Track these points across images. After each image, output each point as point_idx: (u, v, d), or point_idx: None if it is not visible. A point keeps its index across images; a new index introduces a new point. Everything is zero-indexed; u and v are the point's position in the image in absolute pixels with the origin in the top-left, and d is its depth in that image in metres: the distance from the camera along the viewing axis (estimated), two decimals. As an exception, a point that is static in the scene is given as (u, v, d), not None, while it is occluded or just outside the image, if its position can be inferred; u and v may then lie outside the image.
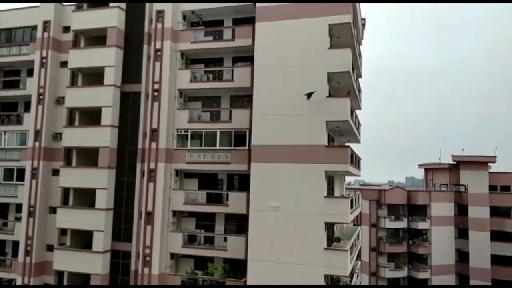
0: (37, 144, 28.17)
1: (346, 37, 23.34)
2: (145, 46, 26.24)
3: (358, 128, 28.07)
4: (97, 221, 25.45)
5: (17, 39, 30.97)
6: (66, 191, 27.25)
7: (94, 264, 25.19)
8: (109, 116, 25.95)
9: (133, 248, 25.21)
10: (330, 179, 24.48)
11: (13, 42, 30.93)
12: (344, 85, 24.24)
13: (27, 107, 30.10)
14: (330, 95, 22.03)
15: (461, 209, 50.34)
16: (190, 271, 25.08)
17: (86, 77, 27.66)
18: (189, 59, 27.17)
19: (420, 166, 62.13)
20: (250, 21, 24.53)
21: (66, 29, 28.91)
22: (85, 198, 26.78)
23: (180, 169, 25.69)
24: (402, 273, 49.89)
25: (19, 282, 27.37)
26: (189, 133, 25.49)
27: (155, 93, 25.55)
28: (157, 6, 26.13)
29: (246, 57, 25.26)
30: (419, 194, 51.51)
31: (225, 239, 24.12)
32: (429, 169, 60.12)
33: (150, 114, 25.51)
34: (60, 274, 26.73)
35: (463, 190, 50.77)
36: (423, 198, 50.35)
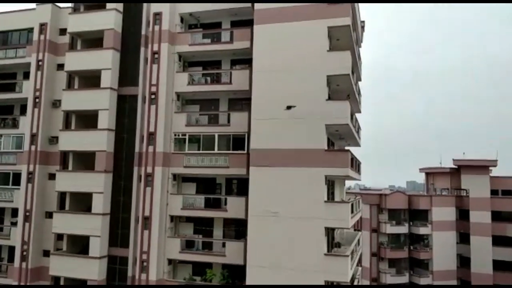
0: (33, 147, 27.87)
1: (346, 39, 23.10)
2: (142, 49, 25.97)
3: (358, 132, 27.76)
4: (93, 226, 25.09)
5: (13, 41, 30.75)
6: (62, 195, 26.95)
7: (91, 269, 24.81)
8: (106, 119, 25.64)
9: (130, 253, 24.82)
10: (330, 183, 24.15)
11: (9, 44, 30.70)
12: (344, 88, 23.95)
13: (23, 110, 29.78)
14: (329, 98, 21.75)
15: (463, 214, 49.96)
16: (188, 277, 24.70)
17: (82, 80, 27.40)
18: (187, 62, 26.89)
19: (421, 170, 61.82)
20: (248, 23, 24.25)
21: (63, 31, 28.66)
22: (81, 202, 26.46)
23: (177, 173, 25.35)
24: (403, 279, 49.41)
25: None
26: (186, 137, 25.18)
27: (153, 96, 25.26)
28: (155, 8, 25.89)
29: (244, 60, 25.01)
30: (420, 198, 51.16)
31: (224, 245, 23.77)
32: (430, 174, 59.76)
33: (147, 117, 25.21)
34: (56, 279, 26.42)
35: (464, 194, 50.44)
36: (424, 202, 49.99)
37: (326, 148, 21.41)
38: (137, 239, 24.56)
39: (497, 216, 48.00)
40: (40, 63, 28.37)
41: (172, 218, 25.15)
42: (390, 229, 49.91)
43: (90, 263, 24.91)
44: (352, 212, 21.80)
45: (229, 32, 25.10)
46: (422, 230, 49.31)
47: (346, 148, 28.44)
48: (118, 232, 25.66)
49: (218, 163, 24.19)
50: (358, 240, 28.70)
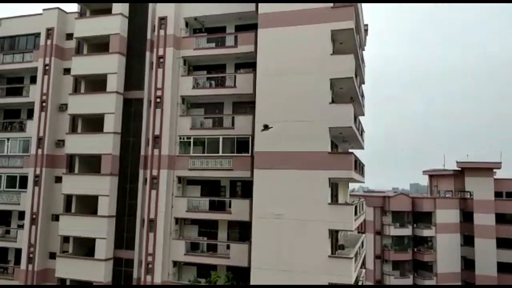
0: (39, 151, 28.15)
1: (349, 43, 23.28)
2: (147, 53, 26.27)
3: (361, 134, 27.91)
4: (99, 228, 25.34)
5: (20, 46, 31.12)
6: (68, 198, 27.17)
7: (97, 272, 25.03)
8: (112, 123, 25.93)
9: (135, 255, 25.04)
10: (334, 186, 24.28)
11: (16, 49, 31.07)
12: (347, 91, 24.11)
13: (30, 114, 30.09)
14: (333, 101, 21.91)
15: (467, 216, 49.85)
16: (193, 279, 24.85)
17: (88, 84, 27.70)
18: (192, 66, 27.15)
19: (424, 172, 61.74)
20: (252, 27, 24.50)
21: (69, 36, 29.00)
22: (87, 205, 26.69)
23: (182, 176, 25.56)
24: (407, 281, 49.33)
25: (21, 290, 27.23)
26: (191, 140, 25.40)
27: (158, 100, 25.52)
28: (160, 13, 26.17)
29: (248, 64, 25.23)
30: (424, 200, 51.12)
31: (228, 247, 23.91)
32: (434, 176, 59.68)
33: (153, 121, 25.46)
34: (62, 281, 26.59)
35: (468, 196, 50.33)
36: (428, 204, 49.95)
37: (329, 150, 21.56)
38: (143, 241, 24.78)
39: (501, 218, 47.84)
40: (47, 67, 28.70)
41: (177, 220, 25.35)
42: (394, 231, 49.90)
43: (96, 265, 25.13)
44: (355, 214, 21.92)
45: (233, 36, 25.32)
46: (426, 232, 49.26)
47: (350, 150, 28.57)
48: (124, 235, 25.90)
49: (222, 166, 24.38)
50: (362, 242, 28.77)
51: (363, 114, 31.22)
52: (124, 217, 26.02)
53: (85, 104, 27.04)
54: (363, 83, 31.53)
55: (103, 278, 24.88)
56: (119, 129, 26.37)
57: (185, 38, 26.31)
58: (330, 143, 22.04)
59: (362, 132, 28.43)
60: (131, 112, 26.61)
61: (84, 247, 26.55)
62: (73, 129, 27.64)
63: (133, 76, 26.72)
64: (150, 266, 24.32)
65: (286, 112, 21.81)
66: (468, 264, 48.80)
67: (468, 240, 49.20)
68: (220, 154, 24.58)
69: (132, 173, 26.09)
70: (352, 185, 45.77)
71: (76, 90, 27.93)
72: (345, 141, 26.77)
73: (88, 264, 25.42)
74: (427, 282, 48.11)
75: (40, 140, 28.22)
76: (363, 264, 31.21)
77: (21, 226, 28.90)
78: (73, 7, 29.44)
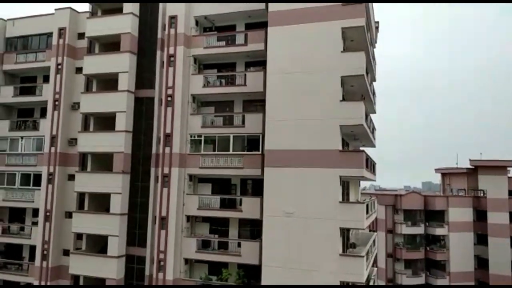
0: (53, 149, 28.51)
1: (360, 40, 23.10)
2: (158, 52, 26.40)
3: (373, 132, 27.72)
4: (112, 225, 25.58)
5: (33, 46, 31.53)
6: (81, 196, 27.47)
7: (109, 268, 25.30)
8: (123, 121, 26.14)
9: (147, 253, 25.26)
10: (345, 184, 24.18)
11: (29, 49, 31.49)
12: (358, 89, 23.97)
13: (43, 113, 30.53)
14: (344, 99, 21.79)
15: (480, 215, 49.29)
16: (204, 277, 24.97)
17: (100, 83, 27.96)
18: (202, 64, 27.23)
19: (437, 170, 61.15)
20: (262, 25, 24.47)
21: (81, 35, 29.29)
22: (100, 203, 26.98)
23: (193, 174, 25.68)
24: (419, 280, 48.98)
25: (35, 286, 27.65)
26: (202, 138, 25.50)
27: (169, 98, 25.65)
28: (170, 11, 26.27)
29: (258, 62, 25.22)
30: (436, 199, 50.65)
31: (239, 245, 23.99)
32: (446, 174, 59.07)
33: (164, 119, 25.60)
34: (76, 278, 26.95)
35: (482, 195, 49.71)
36: (440, 203, 49.47)
37: (340, 148, 21.45)
38: (154, 239, 24.96)
39: (515, 217, 47.22)
40: (59, 66, 29.03)
41: (188, 218, 25.48)
42: (406, 229, 49.56)
43: (108, 262, 25.40)
44: (367, 212, 21.80)
45: (243, 35, 25.31)
46: (439, 231, 48.82)
47: (361, 148, 28.41)
48: (136, 232, 26.12)
49: (233, 164, 24.42)
50: (374, 241, 28.62)
51: (374, 112, 31.01)
52: (136, 215, 26.24)
53: (97, 103, 27.30)
54: (374, 80, 31.31)
55: (115, 275, 25.14)
56: (131, 127, 26.57)
57: (195, 36, 26.38)
58: (341, 141, 21.93)
59: (373, 130, 28.24)
60: (143, 111, 26.79)
61: (97, 244, 26.84)
62: (85, 128, 27.94)
63: (144, 75, 26.88)
64: (162, 263, 24.50)
65: (297, 110, 21.74)
66: (481, 263, 48.28)
67: (481, 239, 48.64)
68: (231, 152, 24.63)
69: (144, 171, 26.28)
70: (363, 184, 45.56)
71: (88, 89, 28.21)
72: (356, 139, 26.63)
73: (101, 261, 25.71)
74: (440, 281, 47.68)
75: (53, 139, 28.58)
76: (375, 263, 31.05)
77: (35, 223, 29.32)
78: (85, 7, 29.72)
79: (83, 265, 26.11)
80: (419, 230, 50.00)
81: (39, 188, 28.90)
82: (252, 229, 24.84)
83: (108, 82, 27.38)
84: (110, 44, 27.65)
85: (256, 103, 25.44)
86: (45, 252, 27.77)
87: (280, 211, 21.28)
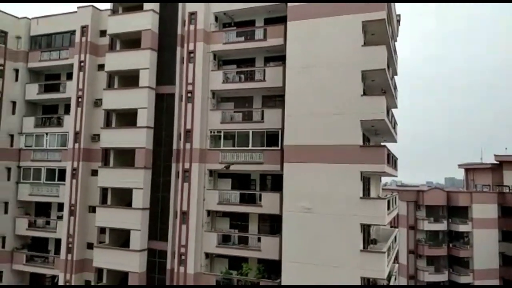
0: (76, 145, 29.11)
1: (381, 34, 22.74)
2: (178, 48, 26.56)
3: (394, 127, 27.32)
4: (134, 220, 26.03)
5: (57, 44, 32.09)
6: (104, 190, 28.01)
7: (132, 262, 25.75)
8: (145, 117, 26.47)
9: (168, 247, 25.57)
10: (366, 179, 23.95)
11: (53, 47, 32.12)
12: (379, 83, 23.64)
13: (67, 110, 31.16)
14: (364, 94, 21.53)
15: (505, 211, 48.11)
16: (224, 271, 25.17)
17: (122, 79, 28.36)
18: (221, 60, 27.28)
19: (460, 166, 59.99)
20: (281, 20, 24.34)
21: (103, 33, 29.69)
22: (122, 197, 27.45)
23: (213, 169, 25.83)
24: (442, 277, 48.22)
25: (61, 278, 28.38)
26: (222, 134, 25.60)
27: (189, 95, 25.83)
28: (190, 8, 26.39)
29: (278, 57, 25.07)
30: (460, 195, 49.66)
31: (259, 239, 24.06)
32: (470, 169, 57.88)
33: (184, 115, 25.81)
34: (99, 271, 27.55)
35: (507, 191, 48.49)
36: (464, 199, 48.48)
37: (361, 144, 21.24)
38: (176, 233, 25.25)
39: (542, 214, 45.98)
40: (82, 64, 29.54)
41: (209, 213, 25.67)
42: (428, 226, 48.82)
43: (131, 256, 25.87)
44: (388, 208, 21.55)
45: (262, 30, 25.22)
46: (462, 228, 47.91)
47: (382, 143, 28.05)
48: (157, 226, 26.46)
49: (252, 159, 24.46)
50: (395, 237, 28.29)
51: (396, 107, 30.53)
52: (158, 209, 26.59)
53: (118, 99, 27.71)
54: (396, 74, 30.79)
55: (138, 268, 25.58)
56: (152, 123, 26.88)
57: (214, 32, 26.43)
58: (362, 136, 21.70)
59: (395, 125, 27.83)
60: (163, 107, 27.05)
61: (120, 238, 27.36)
62: (107, 124, 28.42)
63: (165, 71, 27.11)
64: (183, 257, 24.79)
65: (317, 105, 21.59)
66: (506, 260, 47.24)
67: (506, 236, 47.56)
68: (250, 147, 24.66)
69: (165, 167, 26.57)
70: (384, 179, 45.00)
71: (110, 85, 28.66)
72: (377, 134, 26.30)
73: (123, 255, 26.19)
74: (463, 279, 46.89)
75: (76, 135, 29.16)
76: (396, 259, 30.70)
77: (60, 217, 30.05)
78: (106, 5, 30.09)
79: (107, 259, 26.66)
80: (441, 226, 49.17)
81: (63, 183, 29.58)
82: (272, 224, 24.86)
83: (129, 79, 27.74)
84: (131, 41, 27.98)
85: (275, 98, 25.38)
86: (70, 245, 28.44)
87: (300, 207, 21.22)
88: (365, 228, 22.22)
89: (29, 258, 31.03)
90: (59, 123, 31.14)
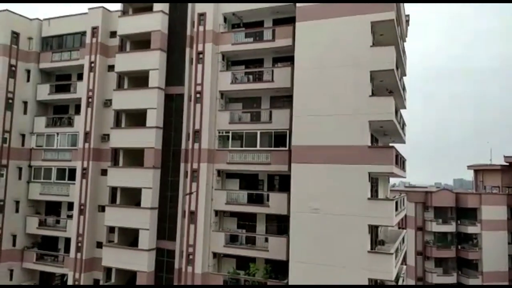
0: (86, 145, 29.39)
1: (390, 34, 22.71)
2: (187, 49, 26.73)
3: (403, 128, 27.25)
4: (142, 219, 26.20)
5: (67, 45, 32.50)
6: (113, 190, 28.20)
7: (140, 261, 25.95)
8: (154, 117, 26.67)
9: (177, 246, 25.72)
10: (374, 180, 23.89)
11: (64, 48, 32.53)
12: (388, 84, 23.60)
13: (77, 110, 31.47)
14: (373, 94, 21.52)
15: (515, 213, 47.67)
16: (232, 271, 25.28)
17: (131, 80, 28.59)
18: (230, 61, 27.43)
19: (469, 167, 59.51)
20: (290, 21, 24.40)
21: (113, 34, 29.97)
22: (131, 197, 27.67)
23: (221, 169, 25.97)
24: (450, 279, 47.91)
25: (70, 277, 28.69)
26: (230, 134, 25.73)
27: (198, 95, 25.99)
28: (199, 9, 26.56)
29: (286, 57, 25.16)
30: (469, 196, 49.32)
31: (266, 240, 24.13)
32: (479, 171, 57.38)
33: (193, 116, 25.97)
34: (108, 270, 27.76)
35: (517, 193, 48.08)
36: (473, 200, 48.13)
37: (369, 144, 21.21)
38: (184, 233, 25.41)
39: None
40: (92, 64, 29.85)
41: (217, 212, 25.81)
42: (436, 227, 48.53)
43: (139, 255, 26.05)
44: (396, 209, 21.50)
45: (271, 30, 25.32)
46: (471, 229, 47.55)
47: (391, 144, 27.98)
48: (166, 226, 26.64)
49: (260, 160, 24.56)
50: (403, 238, 28.21)
51: (404, 107, 30.43)
52: (166, 209, 26.78)
53: (128, 99, 27.95)
54: (405, 75, 30.70)
55: (146, 267, 25.78)
56: (161, 123, 27.07)
57: (223, 33, 26.58)
58: (370, 136, 21.68)
59: (403, 125, 27.76)
60: (172, 107, 27.24)
61: (129, 237, 27.57)
62: (117, 124, 28.63)
63: (174, 72, 27.31)
64: (191, 257, 24.94)
65: (324, 105, 21.63)
66: (516, 263, 46.75)
67: (516, 238, 47.08)
68: (258, 148, 24.76)
69: (174, 166, 26.75)
70: (392, 180, 44.82)
71: (119, 86, 28.89)
72: (385, 134, 26.26)
73: (132, 254, 26.38)
74: (472, 281, 46.52)
75: (87, 135, 29.45)
76: (404, 261, 30.60)
77: (70, 217, 30.36)
78: (117, 6, 30.40)
79: (115, 258, 26.87)
80: (450, 228, 48.85)
81: (73, 182, 29.91)
82: (279, 225, 24.92)
83: (139, 79, 27.97)
84: (141, 42, 28.20)
85: (283, 99, 25.45)
86: (79, 244, 28.72)
87: (307, 207, 21.27)
88: (373, 229, 22.18)
89: (39, 256, 31.42)
90: (70, 123, 31.48)
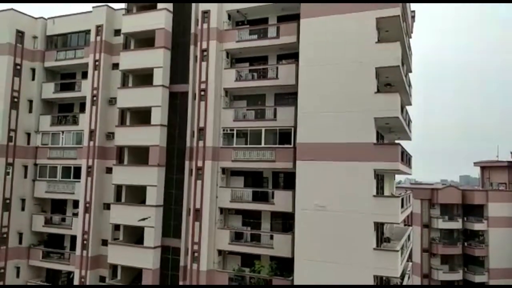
0: (91, 143, 29.46)
1: (395, 30, 22.55)
2: (191, 47, 26.69)
3: (408, 125, 27.10)
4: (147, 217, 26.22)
5: (72, 43, 32.52)
6: (118, 188, 28.33)
7: (146, 259, 26.04)
8: (159, 115, 26.69)
9: (182, 244, 25.76)
10: (379, 177, 23.79)
11: (68, 46, 32.56)
12: (393, 80, 23.44)
13: (82, 108, 31.54)
14: (378, 91, 21.38)
15: (522, 210, 47.30)
16: (237, 268, 25.30)
17: (136, 78, 28.64)
18: (234, 58, 27.36)
19: (476, 164, 59.16)
20: (295, 18, 24.27)
21: (117, 32, 29.95)
22: (136, 195, 27.74)
23: (226, 167, 25.95)
24: (456, 276, 47.70)
25: (76, 274, 28.83)
26: (234, 132, 25.69)
27: (202, 93, 25.96)
28: (203, 6, 26.48)
29: (291, 54, 25.08)
30: (475, 193, 49.02)
31: (272, 237, 24.11)
32: (486, 167, 57.03)
33: (197, 113, 25.95)
34: (114, 267, 27.88)
35: (524, 189, 47.72)
36: (480, 197, 47.85)
37: (375, 141, 21.12)
38: (189, 230, 25.44)
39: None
40: (97, 63, 29.87)
41: (222, 210, 25.81)
42: (442, 224, 48.32)
43: (145, 253, 26.14)
44: (402, 206, 21.40)
45: (275, 27, 25.22)
46: (477, 226, 47.29)
47: (396, 141, 27.84)
48: (171, 223, 26.71)
49: (265, 157, 24.49)
50: (409, 235, 28.10)
51: (410, 104, 30.25)
52: (171, 207, 26.83)
53: (133, 97, 27.99)
54: (410, 71, 30.52)
55: (151, 265, 25.86)
56: (166, 121, 27.09)
57: (227, 30, 26.50)
58: (376, 133, 21.56)
59: (409, 122, 27.59)
60: (177, 105, 27.24)
61: (134, 235, 27.68)
62: (122, 122, 28.67)
63: (178, 70, 27.30)
64: (196, 254, 24.98)
65: (329, 102, 21.54)
66: (523, 260, 46.42)
67: (523, 235, 46.72)
68: (263, 145, 24.72)
69: (178, 164, 26.77)
70: (398, 177, 44.66)
71: (124, 84, 28.96)
72: (391, 131, 26.13)
73: (137, 252, 26.48)
74: (478, 278, 46.32)
75: (91, 133, 29.51)
76: (410, 258, 30.49)
77: (75, 214, 30.45)
78: (121, 4, 30.41)
79: (121, 255, 26.98)
80: (456, 225, 48.62)
81: (79, 180, 29.99)
82: (285, 222, 24.90)
83: (143, 77, 27.98)
84: (145, 40, 28.21)
85: (288, 96, 25.35)
86: (85, 242, 28.84)
87: (313, 205, 21.20)
88: (379, 226, 22.10)
89: (45, 254, 31.59)
90: (75, 122, 31.58)
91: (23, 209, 31.95)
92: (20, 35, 32.16)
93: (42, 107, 33.15)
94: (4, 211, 30.79)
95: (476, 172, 68.38)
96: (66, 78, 33.43)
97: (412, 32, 31.11)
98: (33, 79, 32.88)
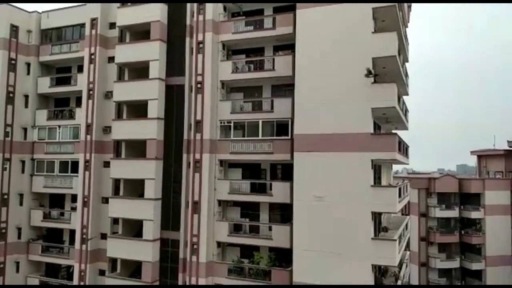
0: (88, 137, 29.35)
1: (392, 20, 22.49)
2: (187, 39, 26.55)
3: (405, 115, 27.13)
4: (146, 210, 26.32)
5: (67, 37, 32.27)
6: (116, 182, 28.31)
7: (145, 252, 26.12)
8: (155, 108, 26.61)
9: (181, 236, 25.87)
10: (377, 167, 23.88)
11: (63, 40, 32.32)
12: (390, 70, 23.42)
13: (78, 102, 31.38)
14: (375, 81, 21.37)
15: (519, 198, 47.60)
16: (236, 259, 25.45)
17: (132, 71, 28.48)
18: (230, 50, 27.24)
19: (472, 153, 59.41)
20: (291, 8, 24.13)
21: (112, 25, 29.67)
22: (134, 188, 27.76)
23: (224, 159, 25.98)
24: (454, 264, 48.10)
25: (76, 268, 28.91)
26: (232, 124, 25.68)
27: (198, 85, 25.87)
28: (198, -2, 26.26)
29: (287, 46, 24.98)
30: (472, 182, 49.26)
31: (270, 228, 24.25)
32: (483, 156, 57.30)
33: (194, 106, 25.89)
34: (113, 261, 27.97)
35: (520, 177, 47.99)
36: (476, 186, 48.08)
37: (372, 132, 21.18)
38: (188, 223, 25.52)
39: (556, 200, 45.44)
40: (92, 56, 29.65)
41: (220, 202, 25.89)
42: (440, 213, 48.57)
43: (144, 246, 26.22)
44: (399, 196, 21.53)
45: (271, 18, 25.11)
46: (474, 214, 47.56)
47: (393, 131, 27.88)
48: (170, 216, 26.78)
49: (262, 149, 24.54)
50: (406, 225, 28.29)
51: (407, 94, 30.25)
52: (170, 200, 26.88)
53: (129, 91, 27.86)
54: (407, 61, 30.47)
55: (151, 258, 25.96)
56: (163, 114, 27.02)
57: (223, 22, 26.36)
58: (373, 124, 21.60)
59: (406, 112, 27.62)
60: (173, 98, 27.16)
61: (133, 228, 27.75)
62: (118, 116, 28.59)
63: (174, 62, 27.17)
64: (195, 246, 25.08)
65: (326, 93, 21.53)
66: (519, 247, 46.84)
67: (520, 223, 47.09)
68: (260, 137, 24.74)
69: (176, 157, 26.78)
70: (395, 167, 44.81)
71: (120, 77, 28.79)
72: (388, 122, 26.15)
73: (137, 245, 26.57)
74: (475, 265, 46.71)
75: (88, 127, 29.39)
76: (407, 247, 30.72)
77: (74, 209, 30.48)
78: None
79: (120, 249, 27.07)
80: (453, 213, 48.89)
81: (76, 175, 29.93)
82: (283, 213, 25.01)
83: (139, 71, 27.83)
84: (141, 33, 28.01)
85: (285, 87, 25.32)
86: (84, 236, 28.88)
87: (311, 196, 21.30)
88: (376, 216, 22.23)
89: (45, 248, 31.66)
90: (71, 116, 31.46)
91: (21, 204, 31.94)
92: (14, 29, 31.88)
93: (38, 102, 32.99)
94: (2, 206, 30.78)
95: (473, 161, 68.69)
96: (62, 72, 33.23)
97: (408, 22, 31.02)
98: (28, 73, 32.68)
